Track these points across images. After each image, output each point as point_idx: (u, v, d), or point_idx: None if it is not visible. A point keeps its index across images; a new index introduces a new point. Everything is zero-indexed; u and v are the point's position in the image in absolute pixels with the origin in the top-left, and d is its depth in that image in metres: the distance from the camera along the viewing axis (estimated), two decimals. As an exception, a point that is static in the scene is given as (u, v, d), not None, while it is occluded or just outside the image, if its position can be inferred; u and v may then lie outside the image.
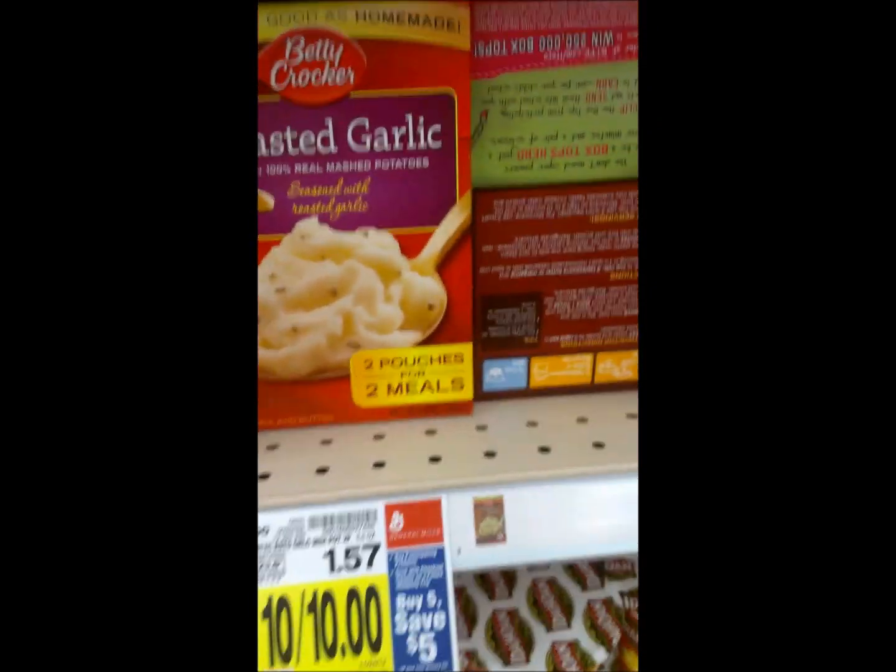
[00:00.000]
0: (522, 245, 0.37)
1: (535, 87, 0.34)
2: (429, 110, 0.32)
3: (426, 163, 0.33)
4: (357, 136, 0.32)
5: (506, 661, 0.40)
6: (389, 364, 0.38)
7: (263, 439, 0.38)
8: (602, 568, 0.48)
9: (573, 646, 0.41)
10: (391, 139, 0.33)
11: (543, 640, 0.41)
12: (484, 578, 0.46)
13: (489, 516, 0.33)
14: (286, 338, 0.36)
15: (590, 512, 0.33)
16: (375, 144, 0.33)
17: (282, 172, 0.33)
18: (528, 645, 0.41)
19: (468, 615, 0.43)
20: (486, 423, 0.39)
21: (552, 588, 0.45)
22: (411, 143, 0.33)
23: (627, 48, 0.34)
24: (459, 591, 0.45)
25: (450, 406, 0.39)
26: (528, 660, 0.40)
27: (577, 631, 0.42)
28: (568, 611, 0.43)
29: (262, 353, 0.36)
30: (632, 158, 0.36)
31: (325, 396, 0.38)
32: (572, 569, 0.47)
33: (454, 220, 0.35)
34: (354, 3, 0.30)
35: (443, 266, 0.36)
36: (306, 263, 0.35)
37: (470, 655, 0.40)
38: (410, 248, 0.35)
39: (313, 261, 0.35)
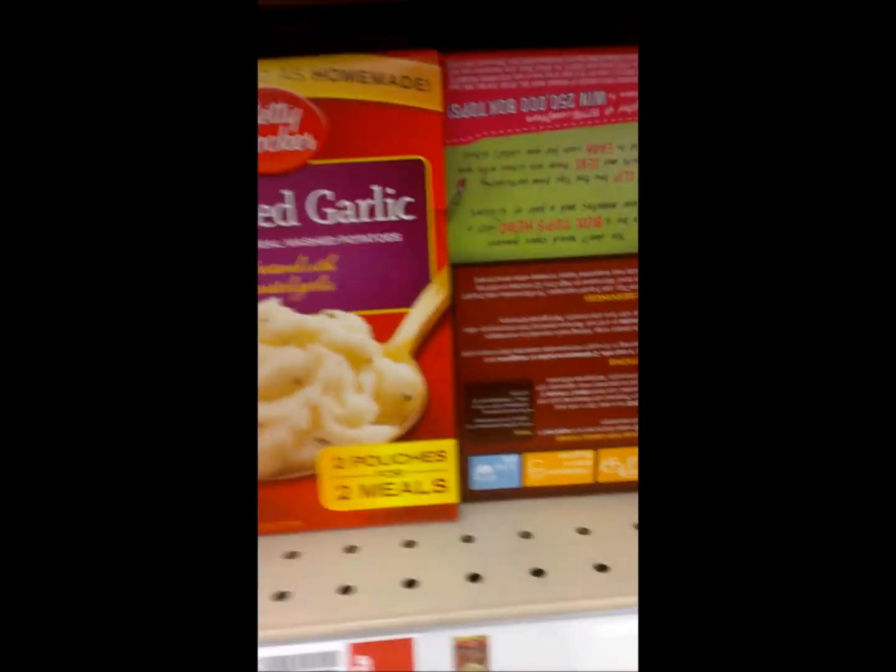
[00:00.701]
0: (510, 327, 0.33)
1: (518, 154, 0.31)
2: (398, 180, 0.29)
3: (398, 237, 0.30)
4: (320, 208, 0.29)
5: None
6: (363, 462, 0.33)
7: (215, 554, 0.33)
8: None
9: None
10: (357, 212, 0.29)
11: None
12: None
13: (471, 661, 0.28)
14: (241, 436, 0.31)
15: (591, 655, 0.27)
16: (340, 217, 0.29)
17: (233, 252, 0.29)
18: None
19: None
20: (473, 532, 0.34)
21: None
22: (380, 216, 0.29)
23: (621, 108, 0.30)
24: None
25: (432, 511, 0.34)
26: None
27: None
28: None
29: (214, 454, 0.32)
30: (629, 232, 0.32)
31: (291, 500, 0.33)
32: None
33: (431, 301, 0.31)
34: (311, 60, 0.27)
35: (420, 351, 0.31)
36: (267, 349, 0.30)
37: None
38: (382, 331, 0.31)
39: (274, 346, 0.30)
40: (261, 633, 0.27)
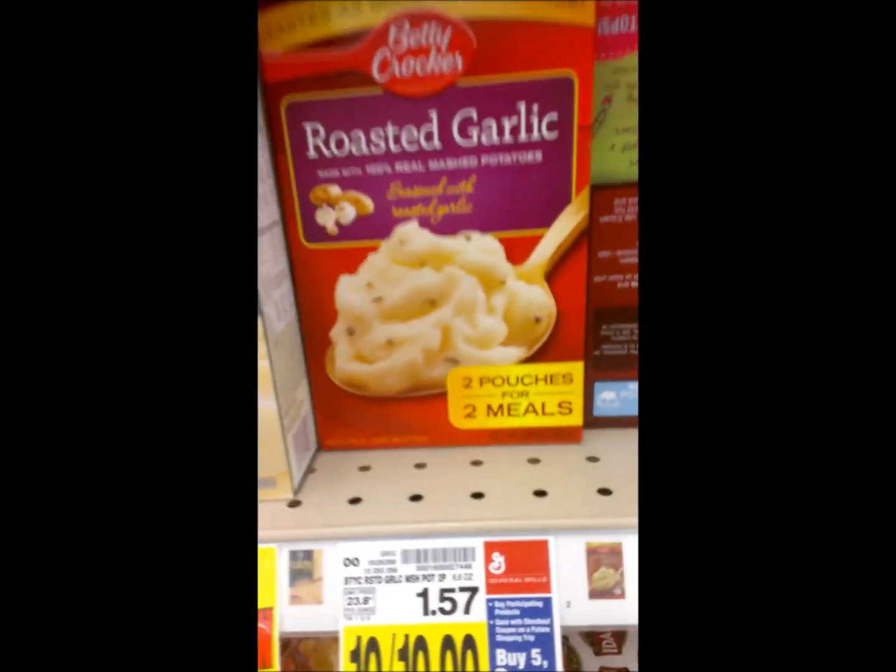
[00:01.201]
0: (645, 251, 0.33)
1: (666, 69, 0.30)
2: (544, 97, 0.29)
3: (539, 157, 0.30)
4: (463, 129, 0.29)
5: (617, 731, 0.34)
6: (490, 382, 0.34)
7: (355, 459, 0.35)
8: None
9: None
10: (500, 131, 0.29)
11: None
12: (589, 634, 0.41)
13: (605, 565, 0.29)
14: (381, 351, 0.34)
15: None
16: (483, 138, 0.29)
17: (382, 172, 0.30)
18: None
19: (572, 670, 0.38)
20: (598, 453, 0.34)
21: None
22: (523, 135, 0.29)
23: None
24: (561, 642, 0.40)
25: (556, 432, 0.35)
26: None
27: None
28: None
29: (356, 368, 0.34)
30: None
31: (419, 416, 0.35)
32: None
33: (568, 222, 0.31)
34: (465, -19, 0.27)
35: (552, 274, 0.32)
36: (404, 271, 0.32)
37: (575, 719, 0.35)
38: (517, 253, 0.31)
39: (412, 268, 0.32)
40: (402, 527, 0.29)
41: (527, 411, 0.35)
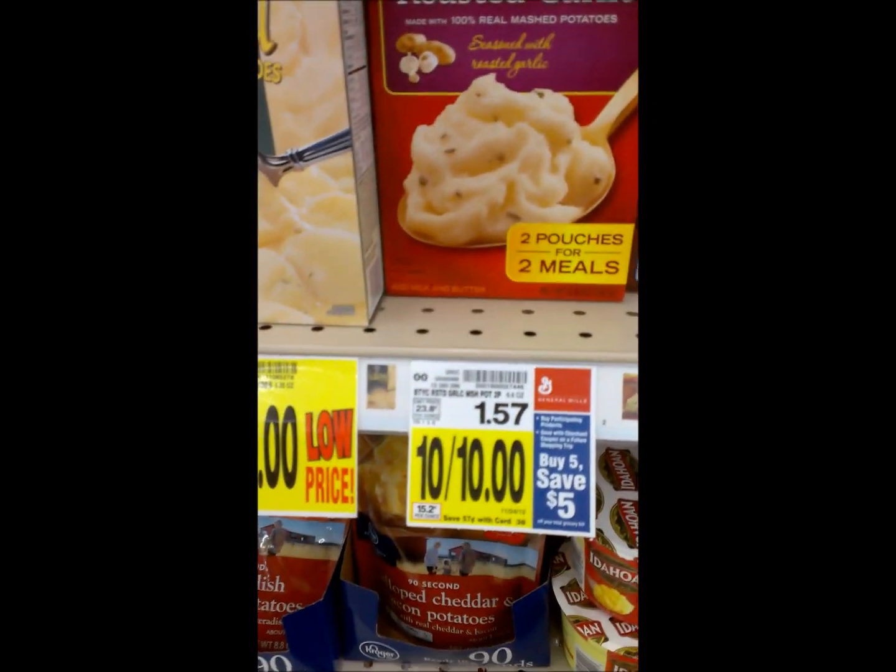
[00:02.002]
0: (703, 121, 0.35)
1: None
2: (627, -45, 0.30)
3: (615, 19, 0.31)
4: (546, -15, 0.31)
5: (631, 543, 0.40)
6: (546, 239, 0.37)
7: (419, 303, 0.40)
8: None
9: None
10: (581, -11, 0.31)
11: (669, 534, 0.41)
12: (609, 470, 0.47)
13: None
14: (449, 203, 0.37)
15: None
16: (564, -5, 0.31)
17: (466, 23, 0.32)
18: (653, 535, 0.41)
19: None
20: (637, 309, 0.38)
21: (680, 490, 0.45)
22: (602, -5, 0.31)
23: None
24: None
25: (601, 289, 0.39)
26: (652, 547, 0.40)
27: (705, 531, 0.41)
28: (695, 512, 0.43)
29: (426, 218, 0.37)
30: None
31: (479, 267, 0.39)
32: (702, 476, 0.46)
33: (635, 86, 0.33)
34: None
35: (615, 137, 0.34)
36: (478, 124, 0.34)
37: (596, 532, 0.41)
38: (585, 113, 0.34)
39: (485, 122, 0.34)
40: (464, 351, 0.34)
41: (577, 268, 0.38)
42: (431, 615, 0.52)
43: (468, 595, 0.50)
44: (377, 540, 0.51)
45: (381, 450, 0.49)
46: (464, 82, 0.34)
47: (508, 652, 0.50)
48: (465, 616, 0.51)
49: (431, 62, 0.33)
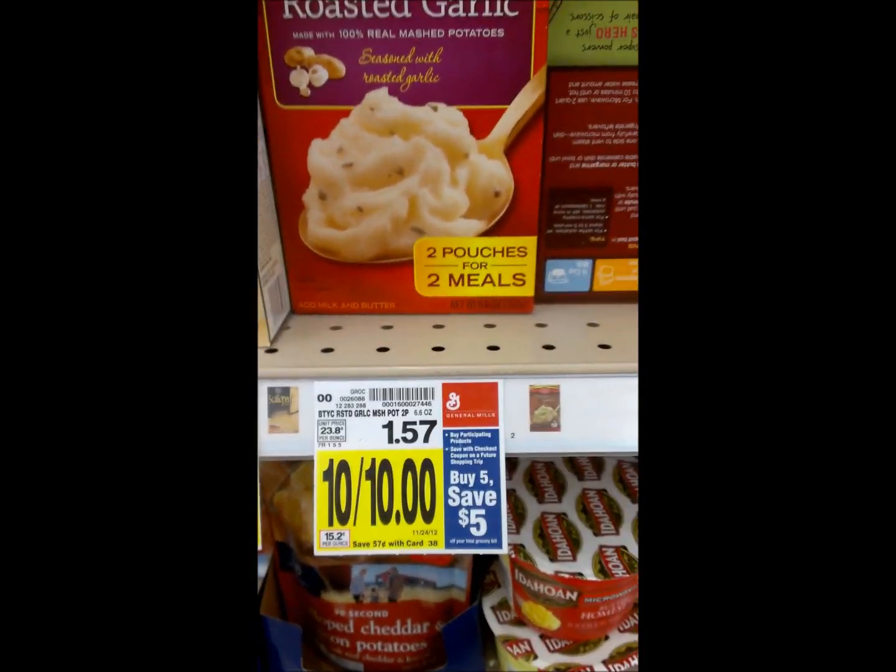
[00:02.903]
0: (596, 134, 0.36)
1: (623, -47, 0.32)
2: (509, -28, 0.31)
3: (501, 33, 0.32)
4: (432, 1, 0.31)
5: (552, 557, 0.40)
6: (452, 253, 0.37)
7: (326, 321, 0.38)
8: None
9: (620, 550, 0.40)
10: (467, 6, 0.31)
11: (591, 543, 0.41)
12: (534, 483, 0.46)
13: (544, 404, 0.33)
14: (351, 217, 0.36)
15: (634, 407, 0.32)
16: (450, 10, 0.31)
17: (354, 37, 0.32)
18: (575, 545, 0.41)
19: (517, 514, 0.43)
20: (546, 321, 0.38)
21: (602, 497, 0.45)
22: (487, 11, 0.31)
23: None
24: (509, 493, 0.46)
25: (510, 302, 0.39)
26: (574, 558, 0.40)
27: (626, 537, 0.41)
28: (617, 520, 0.43)
29: (328, 233, 0.37)
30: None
31: (388, 282, 0.38)
32: (623, 482, 0.46)
33: (527, 99, 0.33)
34: None
35: (511, 150, 0.35)
36: (374, 138, 0.34)
37: (517, 548, 0.41)
38: (480, 126, 0.34)
39: (381, 136, 0.34)
40: (369, 370, 0.33)
41: (485, 281, 0.38)
42: (361, 645, 0.50)
43: (398, 622, 0.49)
44: (300, 570, 0.49)
45: (298, 475, 0.47)
46: (356, 96, 0.33)
47: (442, 678, 0.49)
48: (395, 644, 0.50)
49: (322, 76, 0.33)
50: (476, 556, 0.48)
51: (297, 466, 0.48)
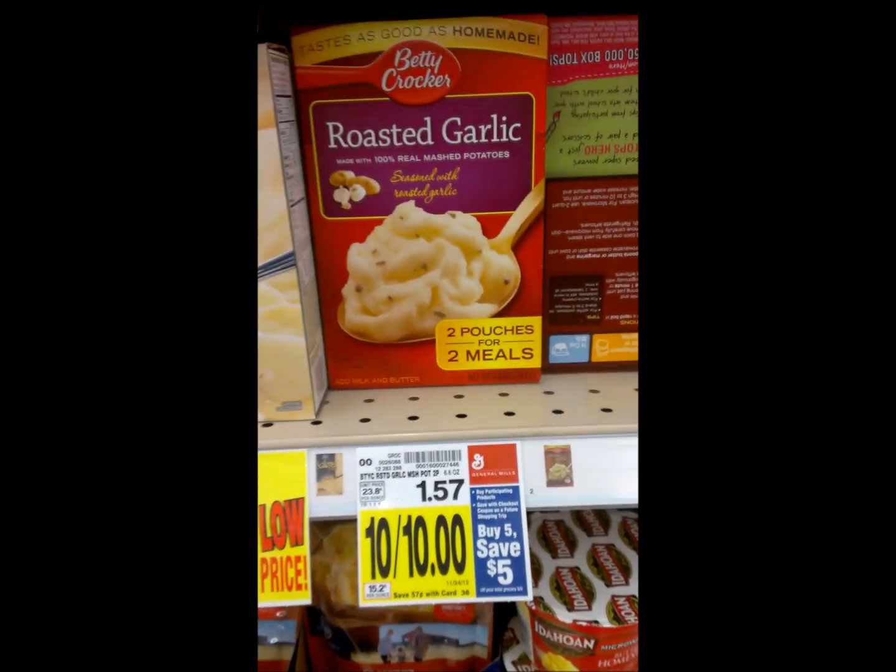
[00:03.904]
0: (587, 231, 0.43)
1: (601, 93, 0.40)
2: (511, 110, 0.38)
3: (507, 154, 0.39)
4: (450, 131, 0.39)
5: (570, 607, 0.43)
6: (469, 332, 0.43)
7: (360, 395, 0.44)
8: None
9: (631, 599, 0.44)
10: (478, 134, 0.39)
11: (604, 593, 0.44)
12: (547, 540, 0.50)
13: (558, 462, 0.38)
14: (383, 306, 0.42)
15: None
16: (465, 139, 0.39)
17: (387, 161, 0.39)
18: (589, 596, 0.44)
19: (534, 569, 0.47)
20: (553, 389, 0.44)
21: (610, 552, 0.49)
22: (495, 138, 0.39)
23: (683, 57, 0.39)
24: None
25: (519, 373, 0.44)
26: (590, 608, 0.43)
27: (635, 588, 0.45)
28: (626, 571, 0.46)
29: (363, 319, 0.42)
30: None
31: (412, 360, 0.44)
32: (628, 536, 0.50)
33: (529, 205, 0.40)
34: (453, 20, 0.36)
35: (517, 246, 0.41)
36: (402, 241, 0.41)
37: (537, 600, 0.44)
38: (491, 229, 0.41)
39: (408, 238, 0.41)
40: (404, 436, 0.38)
41: (498, 356, 0.44)
42: (389, 709, 0.51)
43: (424, 682, 0.51)
44: (330, 633, 0.51)
45: (330, 539, 0.51)
46: (388, 207, 0.40)
47: (468, 738, 0.50)
48: (422, 705, 0.51)
49: (360, 193, 0.40)
50: (496, 614, 0.51)
51: (330, 531, 0.51)
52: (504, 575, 0.36)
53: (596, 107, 0.40)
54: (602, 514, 0.53)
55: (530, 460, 0.38)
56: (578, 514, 0.53)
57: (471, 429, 0.38)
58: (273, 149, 0.34)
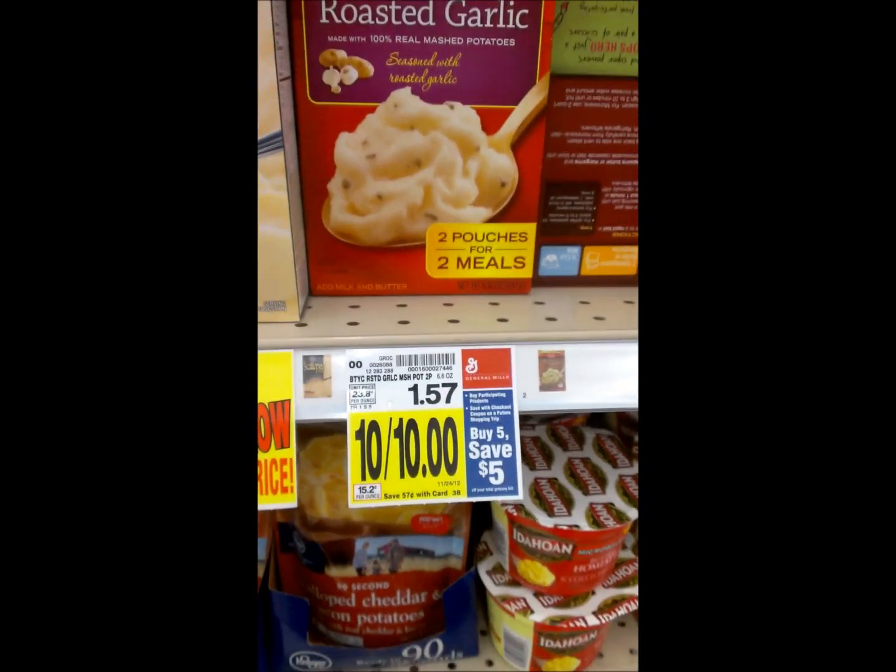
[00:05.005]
0: (587, 133, 0.41)
1: (612, -19, 0.37)
2: (520, -8, 0.35)
3: (513, 42, 0.36)
4: (453, 12, 0.35)
5: (550, 513, 0.44)
6: (461, 238, 0.41)
7: (344, 301, 0.41)
8: (630, 451, 0.53)
9: (608, 506, 0.45)
10: (483, 18, 0.36)
11: (582, 501, 0.45)
12: (524, 454, 0.50)
13: (551, 367, 0.37)
14: (371, 204, 0.39)
15: (631, 368, 0.37)
16: (469, 22, 0.36)
17: (383, 41, 0.36)
18: (568, 503, 0.45)
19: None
20: (543, 300, 0.43)
21: (586, 464, 0.50)
22: (501, 23, 0.36)
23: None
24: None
25: (510, 283, 0.43)
26: (569, 514, 0.44)
27: (612, 496, 0.46)
28: (602, 482, 0.48)
29: (349, 219, 0.40)
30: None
31: (400, 266, 0.42)
32: (603, 451, 0.51)
33: (532, 100, 0.38)
34: None
35: (517, 145, 0.39)
36: (396, 132, 0.38)
37: (517, 507, 0.45)
38: (490, 124, 0.38)
39: (402, 130, 0.38)
40: (395, 338, 0.36)
41: (489, 264, 0.42)
42: (362, 618, 0.52)
43: (398, 592, 0.51)
44: (304, 548, 0.51)
45: (306, 453, 0.50)
46: (382, 94, 0.37)
47: (440, 644, 0.52)
48: (395, 615, 0.52)
49: (352, 75, 0.36)
50: (472, 525, 0.52)
51: (307, 444, 0.50)
52: (495, 475, 0.36)
53: (605, 1, 0.38)
54: (576, 431, 0.54)
55: (524, 365, 0.37)
56: (554, 431, 0.54)
57: (465, 332, 0.37)
58: (263, 12, 0.30)
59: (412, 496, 0.35)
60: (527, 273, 0.43)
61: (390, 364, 0.36)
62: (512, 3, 0.36)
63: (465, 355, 0.37)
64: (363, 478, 0.35)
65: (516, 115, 0.38)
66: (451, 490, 0.35)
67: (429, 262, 0.42)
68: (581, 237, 0.44)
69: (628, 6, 0.38)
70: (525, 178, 0.40)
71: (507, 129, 0.39)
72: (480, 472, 0.36)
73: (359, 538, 0.50)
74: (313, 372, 0.35)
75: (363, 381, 0.35)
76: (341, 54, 0.36)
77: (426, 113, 0.38)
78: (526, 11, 0.36)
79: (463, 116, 0.38)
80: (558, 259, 0.45)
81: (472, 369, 0.37)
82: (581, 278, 0.45)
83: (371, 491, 0.35)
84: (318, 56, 0.36)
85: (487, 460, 0.36)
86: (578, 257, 0.45)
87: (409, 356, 0.36)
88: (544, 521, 0.44)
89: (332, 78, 0.36)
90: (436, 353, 0.36)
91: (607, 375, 0.38)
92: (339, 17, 0.35)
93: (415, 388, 0.36)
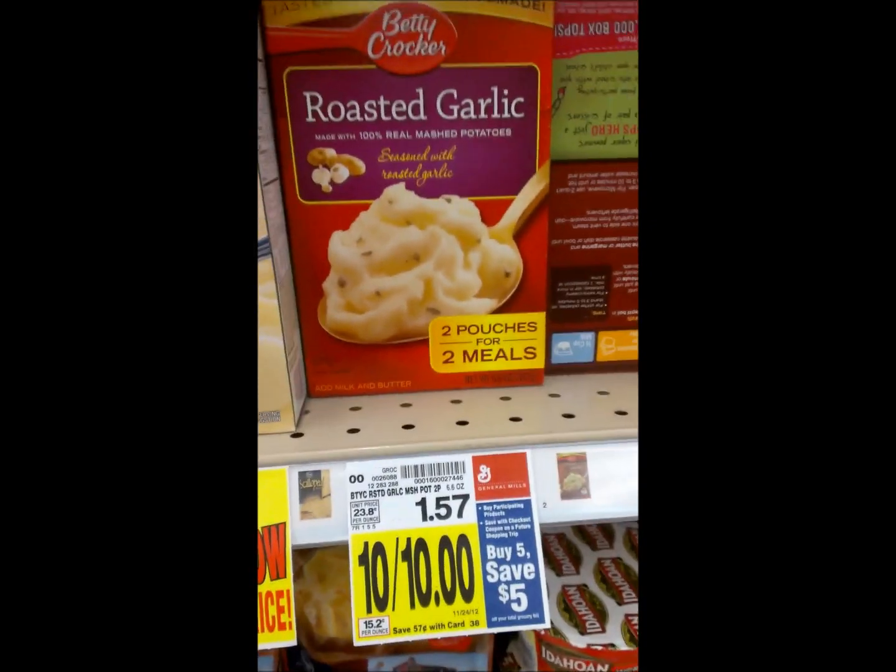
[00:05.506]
0: (594, 218, 0.39)
1: (610, 67, 0.36)
2: (513, 83, 0.34)
3: (509, 132, 0.35)
4: (445, 105, 0.34)
5: (582, 630, 0.39)
6: (466, 330, 0.39)
7: (345, 402, 0.39)
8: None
9: (646, 618, 0.40)
10: (477, 109, 0.35)
11: (616, 612, 0.41)
12: (549, 556, 0.46)
13: (573, 472, 0.34)
14: (370, 302, 0.37)
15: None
16: (462, 114, 0.35)
17: (374, 138, 0.35)
18: (601, 616, 0.40)
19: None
20: (558, 392, 0.40)
21: (618, 566, 0.45)
22: (496, 114, 0.35)
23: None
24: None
25: (521, 374, 0.40)
26: (603, 630, 0.39)
27: (649, 604, 0.41)
28: (636, 585, 0.43)
29: (347, 317, 0.38)
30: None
31: (403, 362, 0.39)
32: (635, 549, 0.47)
33: (533, 189, 0.36)
34: (450, -19, 0.32)
35: (519, 235, 0.37)
36: (392, 228, 0.36)
37: (545, 625, 0.40)
38: (490, 215, 0.37)
39: (398, 226, 0.36)
40: (399, 447, 0.33)
41: (498, 356, 0.40)
42: (378, 751, 0.46)
43: (417, 719, 0.46)
44: (313, 670, 0.46)
45: (311, 565, 0.46)
46: (376, 191, 0.35)
47: None
48: (415, 745, 0.47)
49: (343, 173, 0.35)
50: (496, 638, 0.47)
51: (311, 556, 0.46)
52: (518, 601, 0.32)
53: (604, 83, 0.37)
54: (605, 526, 0.50)
55: (542, 470, 0.34)
56: (580, 527, 0.50)
57: (475, 437, 0.34)
58: (246, 117, 0.29)
59: (424, 630, 0.31)
60: (538, 363, 0.40)
61: (395, 476, 0.33)
62: (506, 92, 0.35)
63: (477, 462, 0.33)
64: (369, 610, 0.31)
65: (517, 205, 0.37)
66: (469, 621, 0.31)
67: (433, 358, 0.39)
68: (594, 323, 0.41)
69: (629, 87, 0.37)
70: (530, 267, 0.38)
71: (508, 219, 0.37)
72: (501, 598, 0.32)
73: (371, 657, 0.45)
74: (310, 490, 0.32)
75: (365, 497, 0.32)
76: (330, 153, 0.35)
77: (423, 208, 0.36)
78: (521, 100, 0.35)
79: (461, 209, 0.36)
80: (571, 346, 0.42)
81: (485, 478, 0.33)
82: (597, 364, 0.42)
83: (378, 626, 0.31)
84: (306, 156, 0.35)
85: (508, 583, 0.32)
86: (593, 343, 0.42)
87: (416, 466, 0.33)
88: (576, 640, 0.39)
89: (322, 177, 0.35)
90: (444, 462, 0.33)
91: (635, 478, 0.34)
92: (326, 116, 0.34)
93: (423, 503, 0.33)
